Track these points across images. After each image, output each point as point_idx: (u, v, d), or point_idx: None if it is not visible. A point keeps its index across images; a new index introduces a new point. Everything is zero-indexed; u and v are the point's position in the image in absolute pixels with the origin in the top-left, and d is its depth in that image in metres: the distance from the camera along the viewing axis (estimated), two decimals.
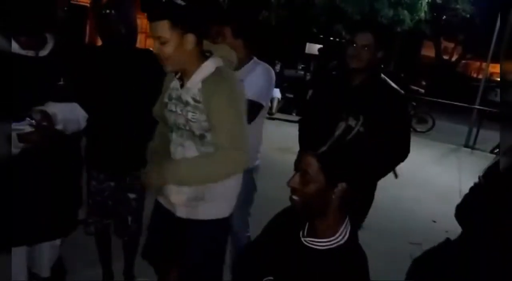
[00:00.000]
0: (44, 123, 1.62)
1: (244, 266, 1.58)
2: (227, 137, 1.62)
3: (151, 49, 1.74)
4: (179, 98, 1.71)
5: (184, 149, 1.73)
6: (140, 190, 2.32)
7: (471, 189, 1.72)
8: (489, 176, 1.66)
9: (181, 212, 1.80)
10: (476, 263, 1.65)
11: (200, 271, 1.84)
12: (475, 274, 1.64)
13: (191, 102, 1.66)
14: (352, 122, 1.21)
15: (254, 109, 2.31)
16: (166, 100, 1.78)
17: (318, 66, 10.58)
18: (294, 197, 1.28)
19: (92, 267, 2.57)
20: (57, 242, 1.98)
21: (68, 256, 2.30)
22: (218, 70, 1.66)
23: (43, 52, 1.74)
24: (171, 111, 1.75)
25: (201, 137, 1.68)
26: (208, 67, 1.66)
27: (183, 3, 1.53)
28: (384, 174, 2.34)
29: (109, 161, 2.25)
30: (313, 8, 13.83)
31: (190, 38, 1.59)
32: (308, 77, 11.59)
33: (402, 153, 2.25)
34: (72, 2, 12.04)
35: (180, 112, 1.70)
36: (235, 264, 2.39)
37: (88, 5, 12.65)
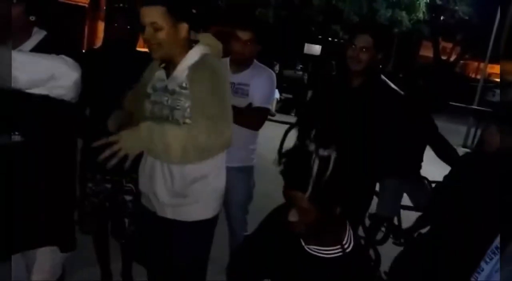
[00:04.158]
0: None
1: (240, 268, 1.56)
2: (209, 122, 1.58)
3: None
4: (165, 89, 1.70)
5: None
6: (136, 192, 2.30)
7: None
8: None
9: (165, 212, 1.79)
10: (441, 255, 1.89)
11: (184, 272, 1.84)
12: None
13: (177, 89, 1.66)
14: (323, 152, 1.13)
15: (262, 114, 2.36)
16: (149, 91, 1.76)
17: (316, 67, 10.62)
18: (299, 230, 1.24)
19: (90, 267, 2.57)
20: (57, 260, 1.88)
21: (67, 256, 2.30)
22: (204, 57, 1.67)
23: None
24: (155, 102, 1.73)
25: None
26: (194, 54, 1.68)
27: None
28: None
29: (106, 163, 2.23)
30: (310, 8, 13.78)
31: (184, 27, 1.61)
32: (305, 77, 11.59)
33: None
34: (71, 2, 12.01)
35: (166, 103, 1.69)
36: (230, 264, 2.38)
37: (86, 5, 12.64)
